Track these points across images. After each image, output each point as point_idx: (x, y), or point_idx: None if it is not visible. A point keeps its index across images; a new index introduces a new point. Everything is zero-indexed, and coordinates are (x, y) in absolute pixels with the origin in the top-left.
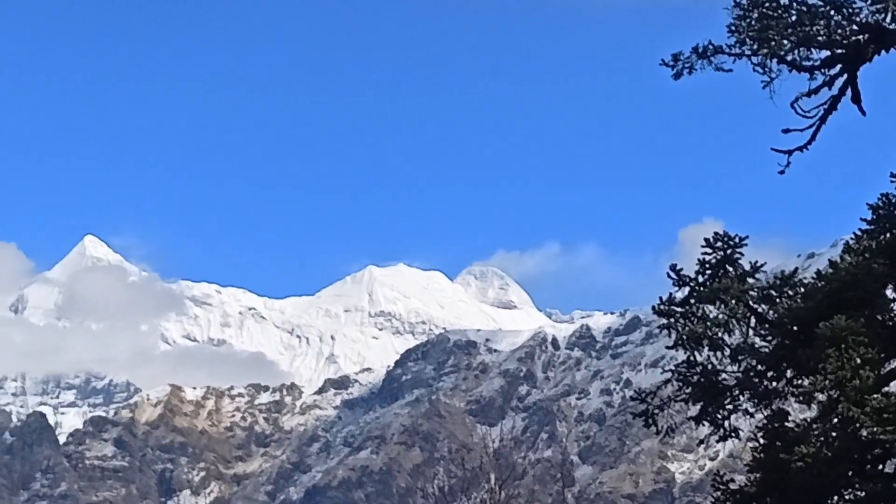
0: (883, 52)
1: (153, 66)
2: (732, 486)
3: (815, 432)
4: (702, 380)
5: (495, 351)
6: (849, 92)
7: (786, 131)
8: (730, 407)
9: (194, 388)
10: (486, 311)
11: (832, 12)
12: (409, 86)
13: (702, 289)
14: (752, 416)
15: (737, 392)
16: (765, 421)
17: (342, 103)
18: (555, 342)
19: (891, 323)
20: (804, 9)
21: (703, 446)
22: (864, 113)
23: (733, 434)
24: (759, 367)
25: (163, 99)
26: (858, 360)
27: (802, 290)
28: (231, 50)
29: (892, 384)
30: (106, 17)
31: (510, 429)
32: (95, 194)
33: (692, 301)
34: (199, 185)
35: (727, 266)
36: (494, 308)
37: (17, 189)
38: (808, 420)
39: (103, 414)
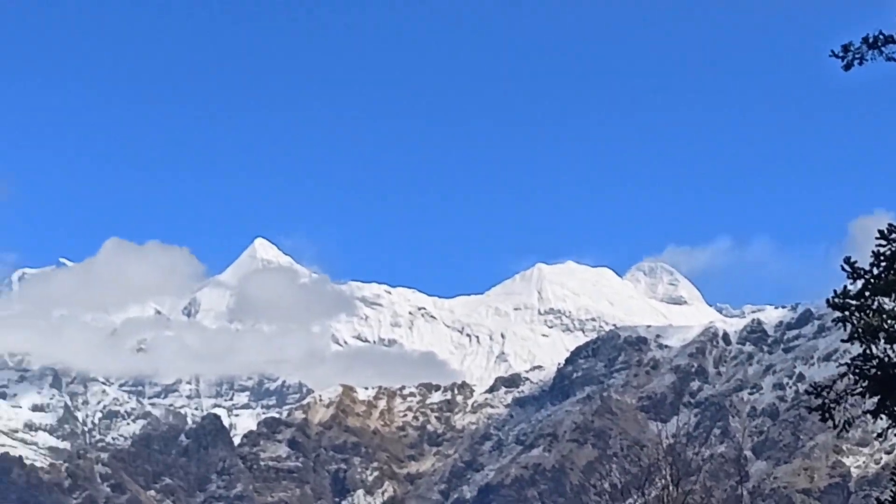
0: None
1: (316, 74)
2: None
3: None
4: (878, 373)
5: (666, 347)
6: None
7: None
8: None
9: (366, 389)
10: (655, 307)
11: None
12: (577, 84)
13: (877, 281)
14: None
15: None
16: None
17: (511, 103)
18: (726, 337)
19: None
20: None
21: (879, 440)
22: None
23: None
24: None
25: (327, 102)
26: None
27: None
28: (401, 53)
29: None
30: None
31: (682, 425)
32: (265, 198)
33: (867, 293)
34: (369, 186)
35: None
36: (664, 304)
37: (190, 194)
38: None
39: (276, 415)
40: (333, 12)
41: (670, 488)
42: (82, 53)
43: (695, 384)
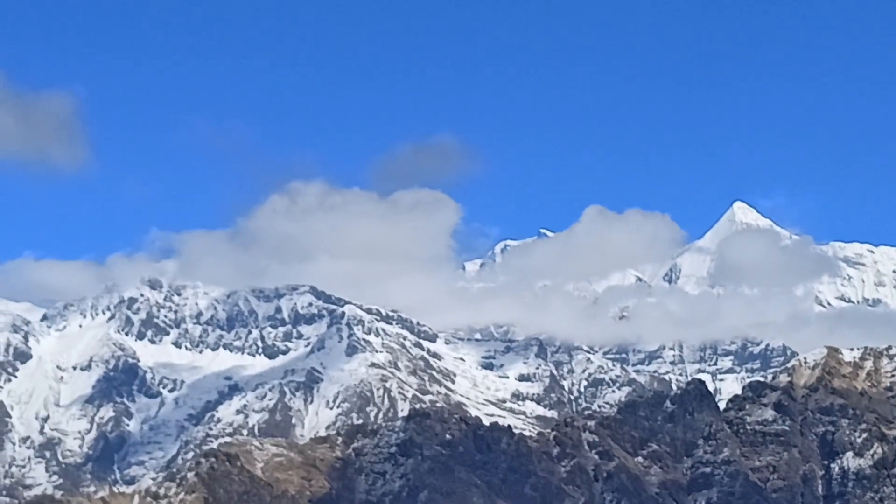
0: None
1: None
2: None
3: None
4: None
5: None
6: None
7: None
8: None
9: (851, 350)
10: None
11: None
12: None
13: None
14: None
15: None
16: None
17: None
18: None
19: None
20: None
21: None
22: None
23: None
24: None
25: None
26: None
27: None
28: None
29: None
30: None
31: None
32: (743, 161)
33: None
34: (848, 146)
35: None
36: None
37: (669, 161)
38: None
39: (761, 379)
40: None
41: None
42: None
43: None
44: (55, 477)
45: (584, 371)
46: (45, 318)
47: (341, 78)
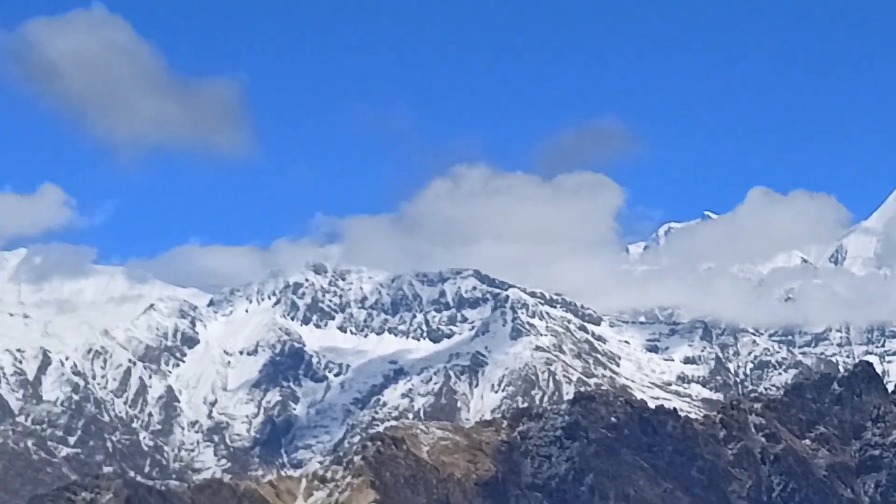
0: None
1: None
2: None
3: None
4: None
5: None
6: None
7: None
8: None
9: None
10: None
11: None
12: None
13: None
14: None
15: None
16: None
17: None
18: None
19: None
20: None
21: None
22: None
23: None
24: None
25: None
26: None
27: None
28: None
29: None
30: None
31: None
32: None
33: None
34: None
35: None
36: None
37: (833, 142)
38: None
39: None
40: None
41: None
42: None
43: None
44: (223, 461)
45: (749, 353)
46: (211, 303)
47: (504, 62)
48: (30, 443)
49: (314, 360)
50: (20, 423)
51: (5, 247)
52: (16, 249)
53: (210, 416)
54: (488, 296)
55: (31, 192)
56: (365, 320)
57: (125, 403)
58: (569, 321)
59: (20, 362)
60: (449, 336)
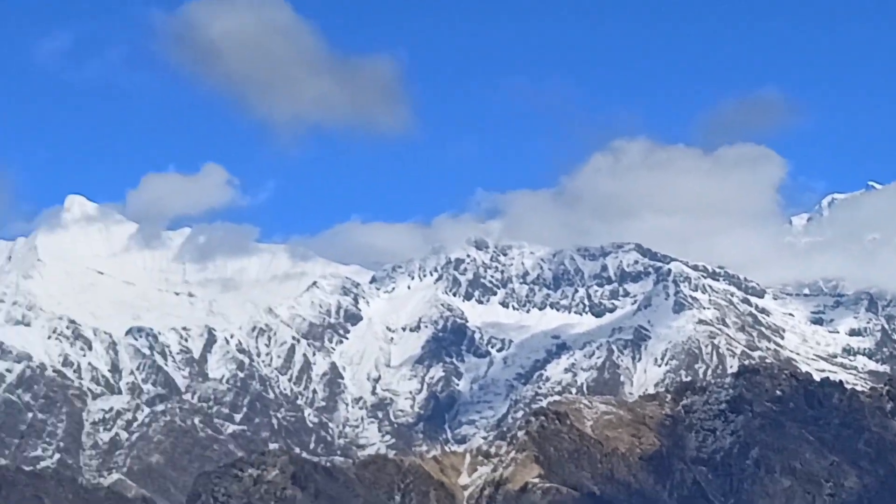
0: None
1: None
2: None
3: None
4: None
5: None
6: None
7: None
8: None
9: None
10: None
11: None
12: None
13: None
14: None
15: None
16: None
17: None
18: None
19: None
20: None
21: None
22: None
23: None
24: None
25: None
26: None
27: None
28: None
29: None
30: None
31: None
32: None
33: None
34: None
35: None
36: None
37: None
38: None
39: None
40: None
41: None
42: None
43: None
44: (388, 437)
45: None
46: (373, 280)
47: (663, 34)
48: (196, 420)
49: (476, 335)
50: (187, 400)
51: (170, 226)
52: (180, 229)
53: (374, 393)
54: (650, 269)
55: (194, 171)
56: (527, 295)
57: (290, 380)
58: (732, 294)
59: (186, 340)
60: (611, 310)
